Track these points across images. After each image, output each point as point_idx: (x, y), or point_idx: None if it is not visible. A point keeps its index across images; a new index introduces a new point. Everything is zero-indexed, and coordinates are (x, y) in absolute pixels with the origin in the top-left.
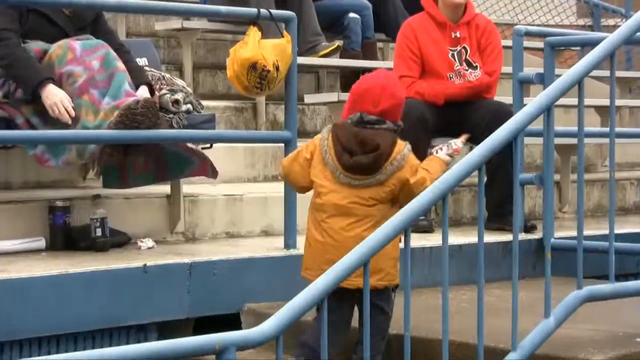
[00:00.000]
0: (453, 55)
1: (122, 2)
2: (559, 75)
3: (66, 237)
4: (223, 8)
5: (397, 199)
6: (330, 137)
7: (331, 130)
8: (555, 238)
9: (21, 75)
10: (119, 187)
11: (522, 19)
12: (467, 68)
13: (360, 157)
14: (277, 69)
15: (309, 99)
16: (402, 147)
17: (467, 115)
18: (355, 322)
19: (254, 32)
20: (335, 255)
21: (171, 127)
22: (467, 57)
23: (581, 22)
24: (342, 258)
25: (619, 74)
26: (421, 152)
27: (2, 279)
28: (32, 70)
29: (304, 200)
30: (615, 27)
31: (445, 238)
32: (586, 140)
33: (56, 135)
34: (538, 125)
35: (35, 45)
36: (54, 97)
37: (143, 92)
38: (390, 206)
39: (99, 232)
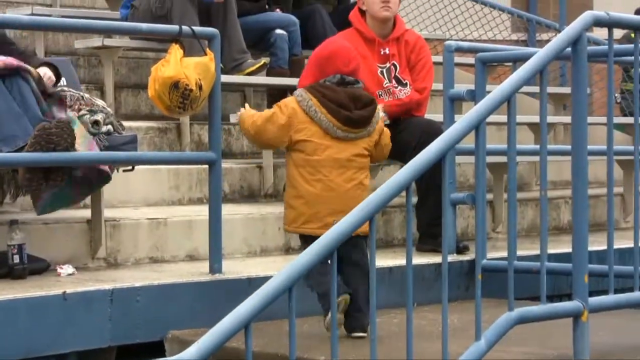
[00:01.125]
0: (382, 72)
1: (38, 20)
2: (490, 92)
3: None
4: (144, 25)
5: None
6: (315, 99)
7: (310, 92)
8: (487, 259)
9: None
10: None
11: (455, 34)
12: (396, 85)
13: (361, 112)
14: (200, 87)
15: (234, 118)
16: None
17: (396, 133)
18: None
19: (175, 50)
20: (340, 206)
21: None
22: (397, 74)
23: (515, 37)
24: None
25: (553, 90)
26: None
27: None
28: None
29: (229, 224)
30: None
31: (372, 260)
32: (519, 158)
33: None
34: (470, 142)
35: None
36: None
37: (46, 70)
38: None
39: (16, 258)
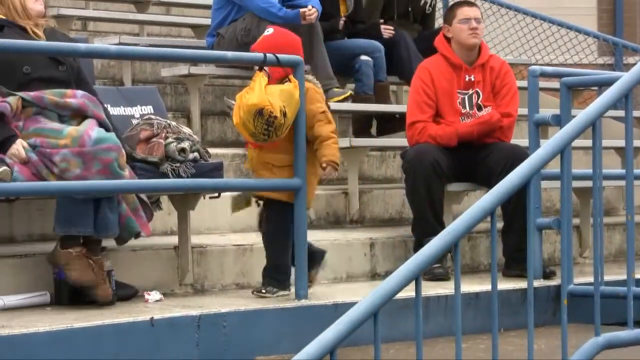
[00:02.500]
0: (464, 99)
1: (125, 49)
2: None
3: (71, 291)
4: (230, 53)
5: None
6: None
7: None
8: (574, 284)
9: None
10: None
11: (540, 58)
12: (477, 112)
13: None
14: (285, 115)
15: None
16: None
17: (482, 158)
18: None
19: (260, 77)
20: None
21: (179, 176)
22: (479, 101)
23: (601, 60)
24: None
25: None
26: (435, 199)
27: (5, 335)
28: None
29: None
30: None
31: (457, 286)
32: (606, 182)
33: (65, 187)
34: (556, 167)
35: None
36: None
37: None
38: None
39: None
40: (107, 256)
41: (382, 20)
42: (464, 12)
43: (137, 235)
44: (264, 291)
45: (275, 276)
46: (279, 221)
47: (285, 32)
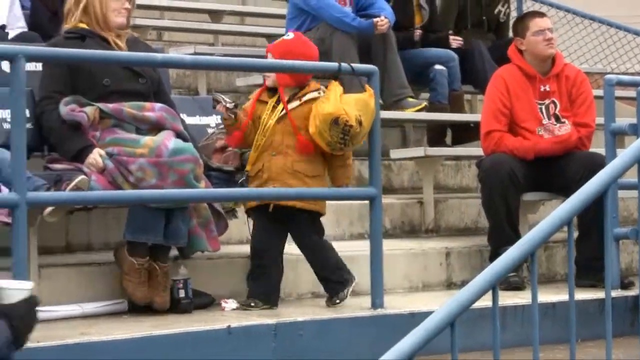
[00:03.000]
0: (541, 109)
1: (201, 59)
2: None
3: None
4: (305, 63)
5: None
6: None
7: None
8: None
9: (57, 147)
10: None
11: (615, 67)
12: (555, 123)
13: None
14: (360, 123)
15: (394, 154)
16: None
17: (559, 168)
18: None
19: (335, 87)
20: None
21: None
22: (556, 111)
23: None
24: None
25: None
26: (511, 209)
27: (84, 342)
28: (64, 143)
29: (391, 259)
30: None
31: (534, 296)
32: None
33: (141, 195)
34: (633, 177)
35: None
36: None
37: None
38: None
39: (182, 293)
40: (183, 264)
41: (451, 31)
42: (537, 23)
43: (203, 250)
44: (337, 302)
45: (339, 278)
46: (320, 230)
47: (304, 41)
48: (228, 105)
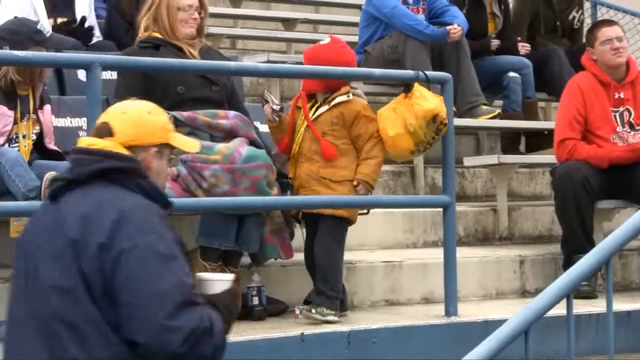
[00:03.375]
0: (615, 117)
1: (275, 67)
2: None
3: None
4: (377, 71)
5: None
6: None
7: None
8: None
9: None
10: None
11: None
12: (629, 130)
13: None
14: (445, 125)
15: (468, 161)
16: None
17: (634, 175)
18: None
19: (420, 88)
20: None
21: None
22: (630, 119)
23: None
24: None
25: None
26: (585, 217)
27: None
28: None
29: (464, 267)
30: None
31: (609, 304)
32: None
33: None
34: None
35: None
36: None
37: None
38: None
39: (255, 300)
40: (257, 271)
41: (519, 38)
42: (605, 33)
43: (276, 258)
44: (313, 311)
45: (328, 292)
46: (336, 236)
47: (333, 47)
48: (274, 106)
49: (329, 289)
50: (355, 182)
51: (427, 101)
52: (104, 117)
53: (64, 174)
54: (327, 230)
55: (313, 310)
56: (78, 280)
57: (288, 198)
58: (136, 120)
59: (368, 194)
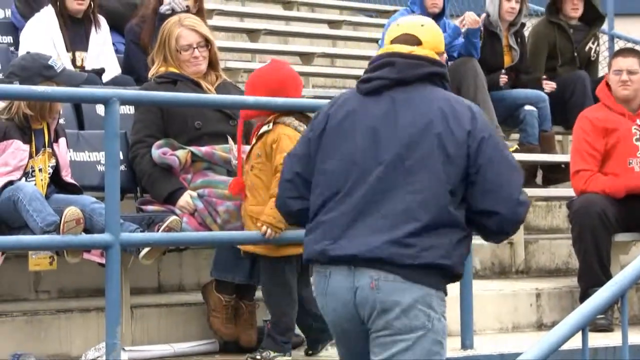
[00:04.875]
0: (635, 141)
1: (293, 101)
2: None
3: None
4: None
5: None
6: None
7: (298, 119)
8: None
9: (149, 189)
10: None
11: None
12: None
13: None
14: None
15: None
16: None
17: None
18: None
19: None
20: None
21: None
22: None
23: None
24: None
25: None
26: (602, 250)
27: None
28: (156, 186)
29: (481, 300)
30: None
31: (625, 338)
32: None
33: (231, 237)
34: None
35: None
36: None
37: None
38: None
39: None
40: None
41: (544, 76)
42: (617, 62)
43: None
44: (259, 357)
45: (275, 337)
46: (273, 278)
47: (265, 71)
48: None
49: (278, 332)
50: (259, 224)
51: None
52: (401, 29)
53: (386, 74)
54: (263, 271)
55: (258, 356)
56: (436, 158)
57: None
58: (434, 32)
59: (276, 235)
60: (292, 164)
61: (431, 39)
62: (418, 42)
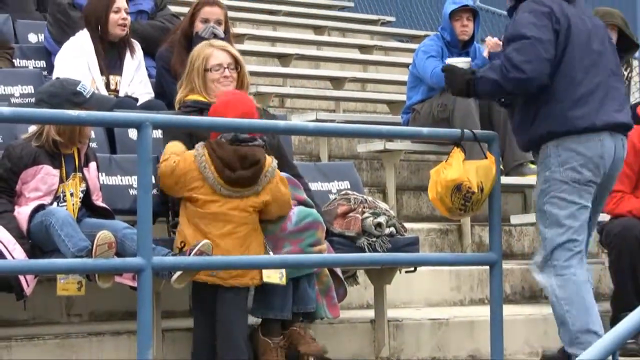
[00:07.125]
0: None
1: (323, 126)
2: None
3: None
4: (425, 130)
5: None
6: (207, 155)
7: (206, 147)
8: None
9: None
10: None
11: None
12: None
13: (244, 172)
14: (482, 190)
15: (515, 219)
16: (271, 161)
17: None
18: None
19: (457, 153)
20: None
21: (375, 250)
22: None
23: None
24: None
25: None
26: (638, 274)
27: None
28: None
29: (511, 325)
30: None
31: None
32: None
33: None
34: None
35: None
36: None
37: None
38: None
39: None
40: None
41: None
42: None
43: (323, 317)
44: None
45: None
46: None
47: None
48: None
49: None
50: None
51: (452, 169)
52: None
53: None
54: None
55: None
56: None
57: (335, 256)
58: None
59: None
60: None
61: None
62: None
